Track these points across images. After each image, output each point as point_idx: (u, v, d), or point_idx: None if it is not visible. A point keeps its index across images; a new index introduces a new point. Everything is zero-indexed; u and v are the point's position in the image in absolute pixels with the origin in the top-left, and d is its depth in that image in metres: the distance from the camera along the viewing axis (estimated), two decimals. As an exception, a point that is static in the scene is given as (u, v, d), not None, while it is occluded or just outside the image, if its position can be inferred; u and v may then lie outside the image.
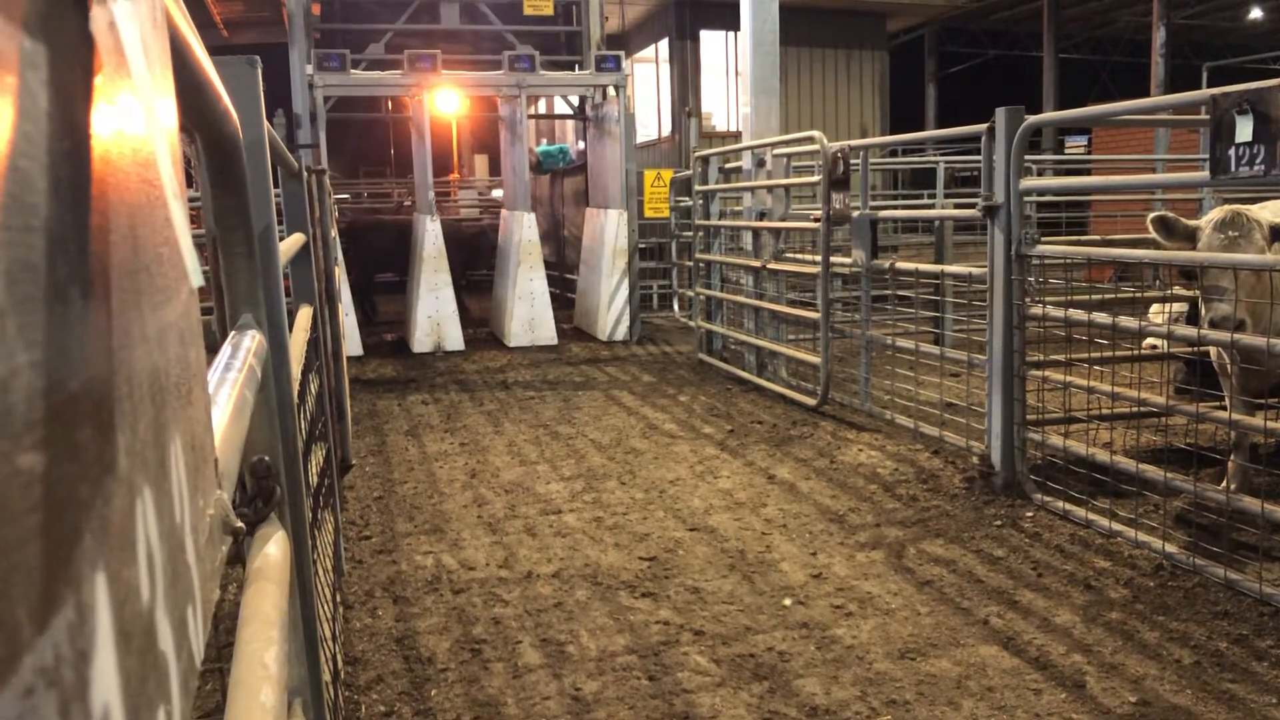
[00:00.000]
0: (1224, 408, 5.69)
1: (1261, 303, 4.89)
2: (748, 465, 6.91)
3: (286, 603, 1.35)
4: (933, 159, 14.52)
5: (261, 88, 2.15)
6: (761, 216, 9.62)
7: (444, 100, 13.90)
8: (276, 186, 2.94)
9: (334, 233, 6.64)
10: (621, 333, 12.75)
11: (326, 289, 5.37)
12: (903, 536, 5.42)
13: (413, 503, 6.30)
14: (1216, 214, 5.09)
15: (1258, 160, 4.10)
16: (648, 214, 13.91)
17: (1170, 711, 3.59)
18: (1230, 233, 4.98)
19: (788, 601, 4.61)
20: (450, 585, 4.94)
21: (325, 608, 3.27)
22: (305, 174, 4.84)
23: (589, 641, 4.28)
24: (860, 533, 5.50)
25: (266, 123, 2.21)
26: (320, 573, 2.95)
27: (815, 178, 8.48)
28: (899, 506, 5.92)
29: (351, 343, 11.29)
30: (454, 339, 12.30)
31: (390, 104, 18.44)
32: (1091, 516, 5.36)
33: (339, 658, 3.87)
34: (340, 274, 9.14)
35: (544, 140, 18.16)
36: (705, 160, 10.76)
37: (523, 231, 12.55)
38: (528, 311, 12.44)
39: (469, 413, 8.90)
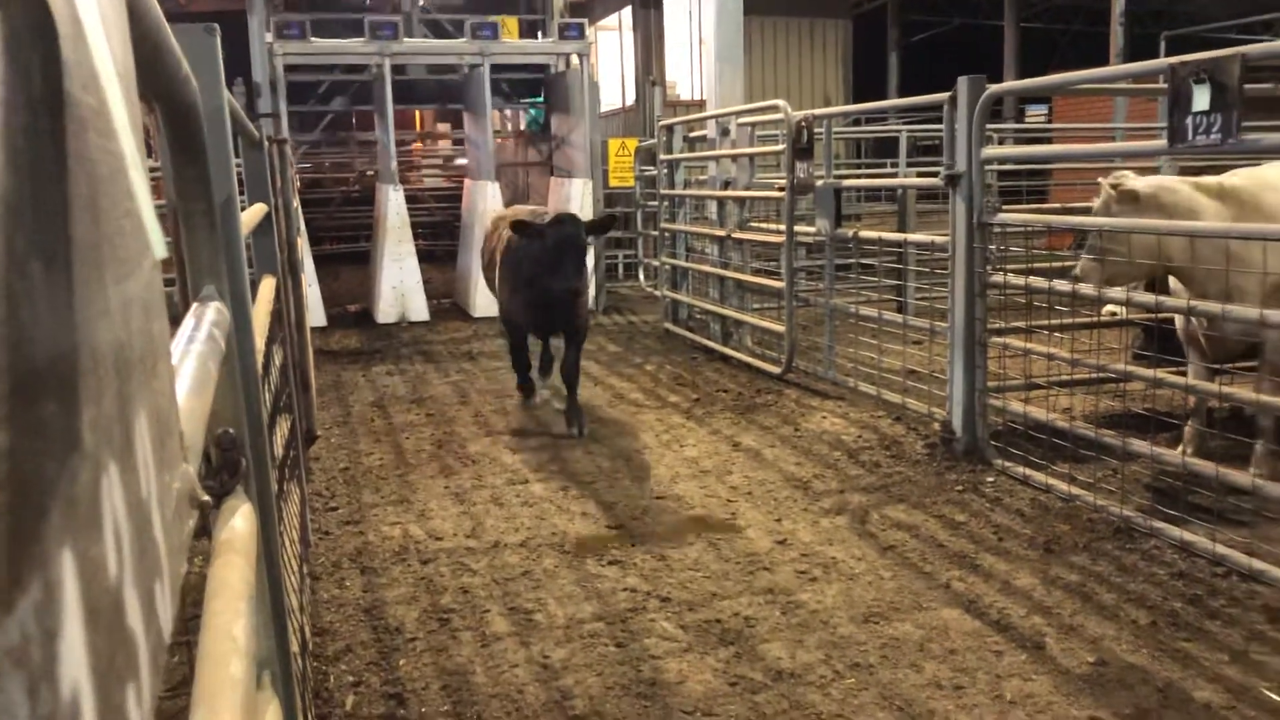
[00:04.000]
0: (1181, 373, 5.78)
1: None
2: (713, 433, 6.94)
3: (254, 575, 1.35)
4: (895, 128, 14.54)
5: (221, 55, 2.11)
6: (726, 186, 9.61)
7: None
8: (237, 156, 2.90)
9: (296, 203, 6.56)
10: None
11: (289, 259, 5.32)
12: (866, 502, 5.47)
13: (379, 474, 6.28)
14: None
15: (1214, 129, 4.14)
16: (613, 183, 13.86)
17: (1127, 671, 3.66)
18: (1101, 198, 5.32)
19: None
20: (418, 555, 4.94)
21: (292, 579, 3.26)
22: (266, 143, 4.78)
23: (557, 609, 4.30)
24: (824, 499, 5.55)
25: (226, 91, 2.18)
26: (287, 544, 2.95)
27: (779, 147, 8.48)
28: (862, 473, 5.97)
29: (315, 314, 11.19)
30: (419, 310, 12.22)
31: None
32: (1051, 481, 5.44)
33: (307, 629, 3.86)
34: (303, 244, 9.04)
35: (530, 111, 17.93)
36: (670, 129, 10.72)
37: (487, 201, 12.47)
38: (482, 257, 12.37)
39: (435, 383, 8.87)
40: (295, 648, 2.71)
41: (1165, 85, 4.42)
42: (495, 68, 12.98)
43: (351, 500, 5.81)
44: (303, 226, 9.89)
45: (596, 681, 3.70)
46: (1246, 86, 4.07)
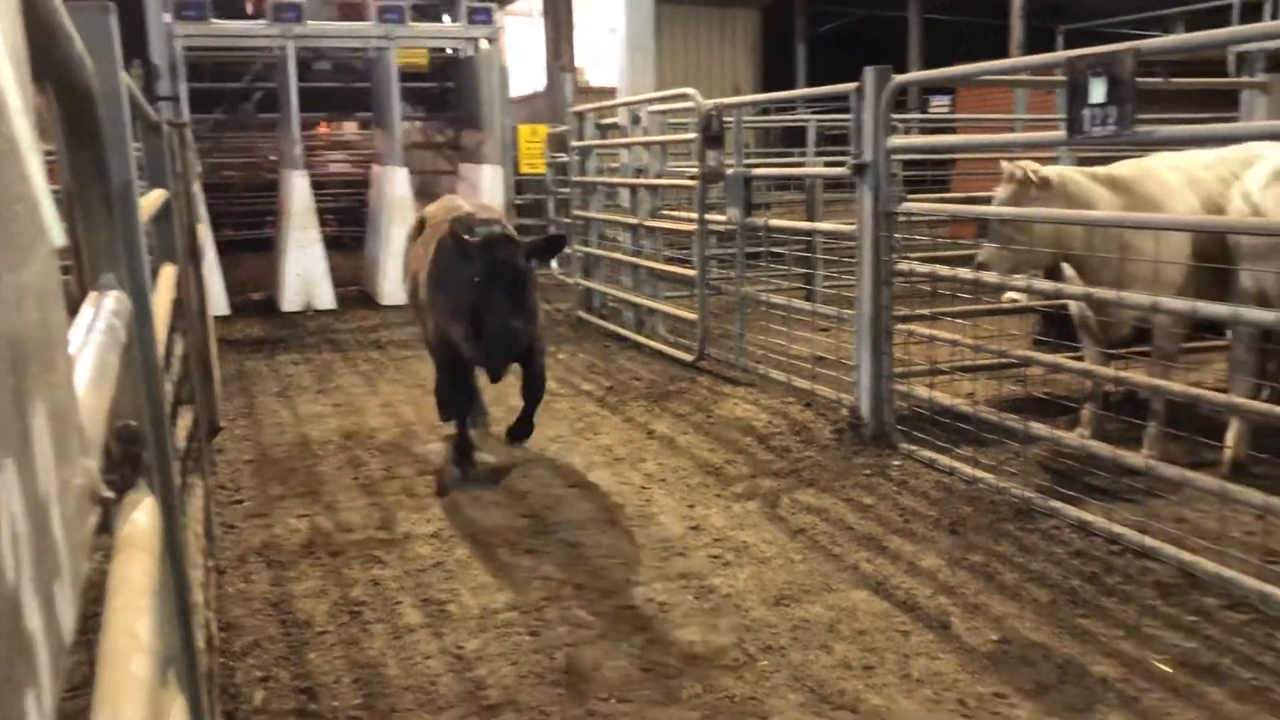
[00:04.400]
0: (1078, 358, 5.97)
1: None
2: (627, 421, 6.96)
3: (157, 571, 1.32)
4: (804, 118, 14.70)
5: (117, 35, 2.04)
6: (638, 173, 9.62)
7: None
8: (136, 140, 2.81)
9: (196, 188, 6.38)
10: (498, 290, 12.60)
11: (190, 246, 5.19)
12: (777, 487, 5.54)
13: (286, 465, 6.17)
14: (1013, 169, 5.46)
15: (1110, 120, 4.27)
16: (524, 170, 13.77)
17: (1029, 648, 3.78)
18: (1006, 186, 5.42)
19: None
20: (327, 548, 4.87)
21: (197, 574, 3.19)
22: (165, 128, 4.65)
23: (470, 600, 4.27)
24: (736, 484, 5.60)
25: (123, 72, 2.11)
26: (191, 539, 2.88)
27: (690, 135, 8.52)
28: (773, 458, 6.05)
29: (218, 302, 10.91)
30: (325, 298, 12.00)
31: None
32: (955, 464, 5.57)
33: (213, 624, 3.78)
34: (204, 231, 8.81)
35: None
36: (581, 116, 10.69)
37: (395, 187, 12.30)
38: (401, 269, 12.20)
39: (342, 373, 8.73)
40: (201, 644, 2.65)
41: (1063, 78, 4.54)
42: (403, 78, 12.74)
43: (257, 493, 5.69)
44: (204, 213, 9.65)
45: (511, 671, 3.69)
46: (1139, 80, 4.21)
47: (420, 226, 6.17)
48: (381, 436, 6.74)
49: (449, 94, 14.63)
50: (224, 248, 12.47)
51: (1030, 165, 5.43)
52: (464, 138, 13.90)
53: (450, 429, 6.26)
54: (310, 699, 3.54)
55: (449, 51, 14.50)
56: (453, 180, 14.26)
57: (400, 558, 4.74)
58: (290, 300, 11.89)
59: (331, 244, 12.93)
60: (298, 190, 11.89)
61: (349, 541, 4.95)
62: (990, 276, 5.47)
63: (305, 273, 11.90)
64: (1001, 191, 5.51)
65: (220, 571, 4.58)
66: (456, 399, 5.91)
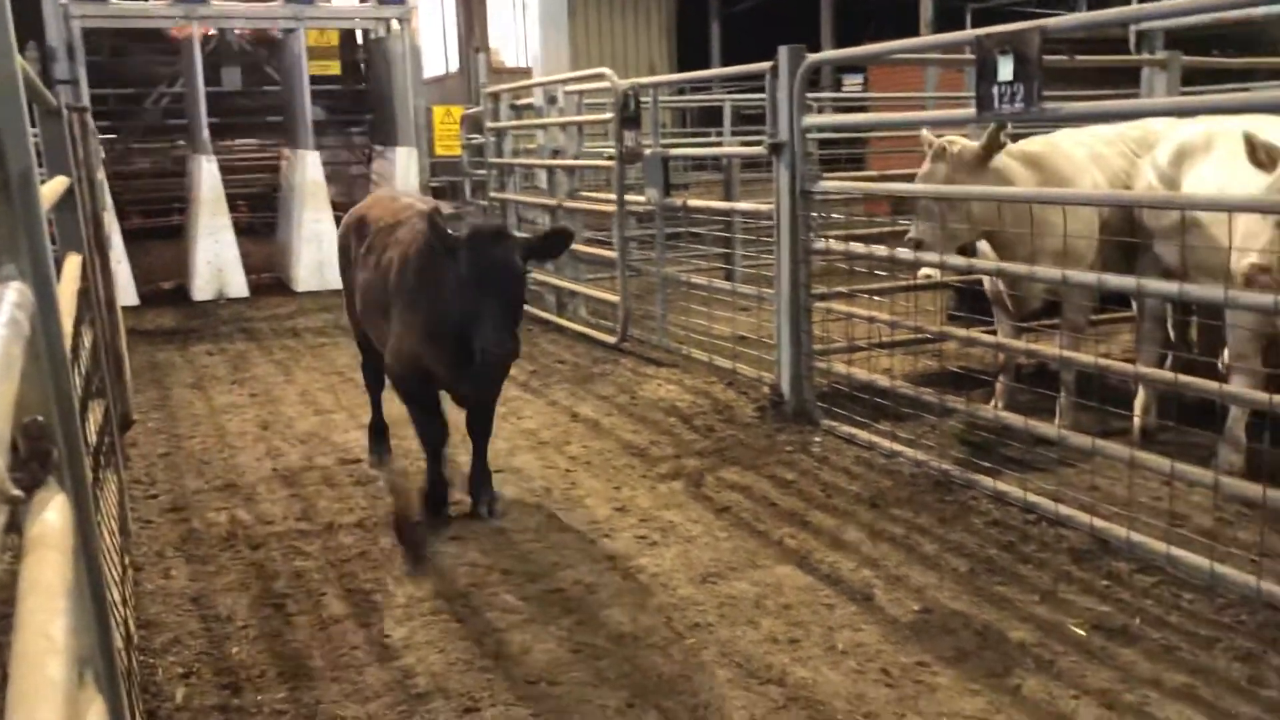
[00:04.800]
0: (992, 332, 6.10)
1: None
2: (551, 405, 6.94)
3: (70, 570, 1.28)
4: (720, 97, 14.73)
5: (9, 16, 1.96)
6: (555, 155, 9.57)
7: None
8: (34, 125, 2.70)
9: (101, 175, 6.18)
10: (416, 274, 12.46)
11: (95, 236, 5.04)
12: (701, 466, 5.58)
13: (202, 458, 6.04)
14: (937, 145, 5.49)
15: (1018, 98, 4.36)
16: (438, 151, 13.60)
17: (950, 616, 3.86)
18: (931, 163, 5.45)
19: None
20: (247, 541, 4.78)
21: (113, 571, 3.11)
22: (65, 112, 4.50)
23: (396, 588, 4.24)
24: (661, 465, 5.63)
25: (17, 54, 2.03)
26: (106, 535, 2.81)
27: (606, 116, 8.49)
28: (697, 437, 6.08)
29: (126, 292, 10.61)
30: (237, 286, 11.76)
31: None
32: (875, 439, 5.66)
33: (131, 622, 3.69)
34: (110, 219, 8.55)
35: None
36: (496, 97, 10.59)
37: (307, 171, 12.07)
38: (316, 255, 12.00)
39: (258, 362, 8.56)
40: (119, 643, 2.59)
41: (972, 56, 4.62)
42: (314, 82, 12.50)
43: (174, 487, 5.56)
44: (109, 200, 9.37)
45: (439, 658, 3.67)
46: (1046, 58, 4.30)
47: (359, 228, 5.27)
48: (300, 426, 6.63)
49: (362, 96, 14.41)
50: (132, 236, 12.14)
51: (963, 142, 5.48)
52: (377, 122, 13.67)
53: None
54: (234, 694, 3.49)
55: (359, 41, 14.25)
56: (365, 164, 14.05)
57: (323, 548, 4.67)
58: (202, 289, 11.62)
59: (244, 230, 12.67)
60: (206, 176, 11.61)
61: (270, 533, 4.87)
62: (905, 253, 5.55)
63: (216, 260, 11.64)
64: (928, 168, 5.53)
65: (137, 568, 4.47)
66: (434, 429, 4.93)
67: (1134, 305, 5.99)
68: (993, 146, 5.30)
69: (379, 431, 5.90)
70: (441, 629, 3.88)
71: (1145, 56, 8.01)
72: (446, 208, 5.09)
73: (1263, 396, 4.11)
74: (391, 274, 4.75)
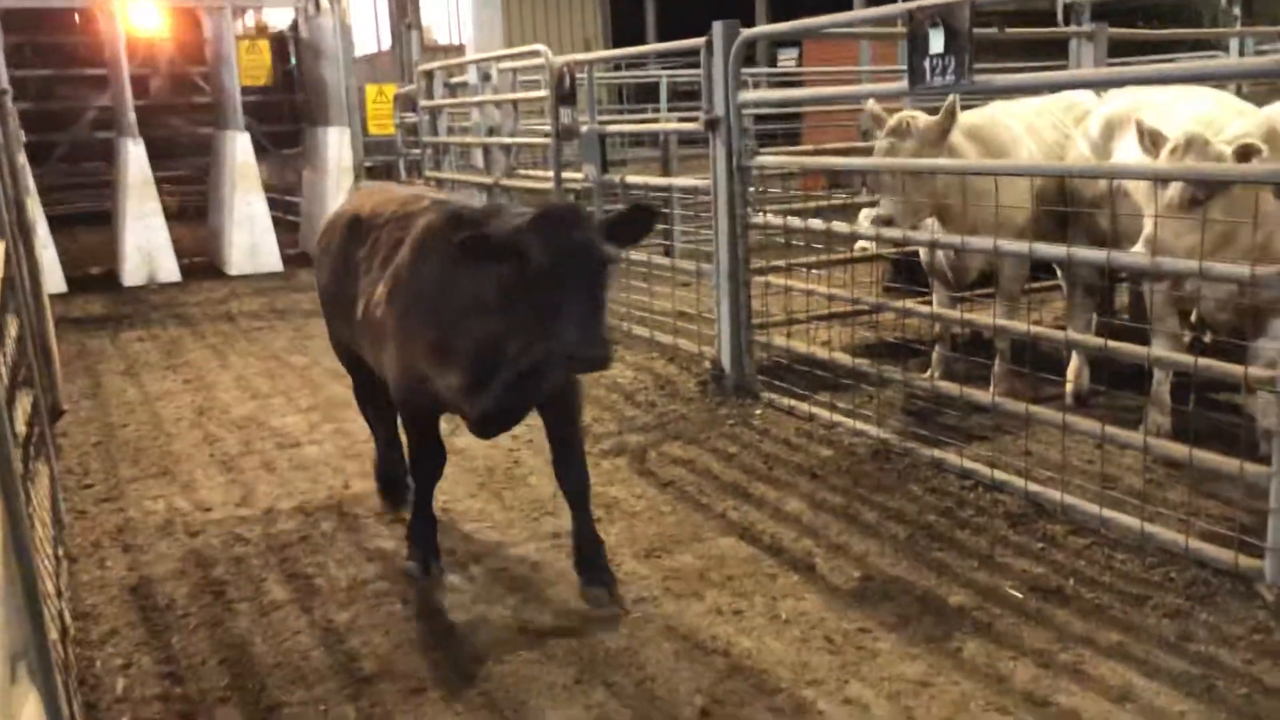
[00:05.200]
0: (927, 303, 6.18)
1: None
2: (490, 384, 6.90)
3: (1, 562, 1.26)
4: (656, 73, 14.71)
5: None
6: (491, 133, 9.49)
7: (141, 15, 12.81)
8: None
9: (21, 159, 6.02)
10: (352, 256, 12.31)
11: (18, 221, 4.91)
12: (644, 441, 5.60)
13: (136, 446, 5.93)
14: (890, 120, 5.45)
15: (949, 70, 4.40)
16: (372, 131, 13.42)
17: (890, 583, 3.93)
18: (892, 138, 5.37)
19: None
20: (185, 528, 4.71)
21: (47, 564, 3.06)
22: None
23: (338, 572, 4.21)
24: (604, 441, 5.64)
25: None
26: (38, 526, 2.75)
27: (542, 93, 8.43)
28: (639, 413, 6.10)
29: (53, 278, 10.34)
30: (169, 270, 11.52)
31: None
32: (814, 410, 5.72)
33: (67, 614, 3.63)
34: (33, 204, 8.33)
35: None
36: (429, 75, 10.46)
37: (237, 153, 11.85)
38: (248, 238, 11.80)
39: (191, 348, 8.42)
40: (54, 635, 2.54)
41: (904, 29, 4.65)
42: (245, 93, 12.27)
43: (108, 476, 5.46)
44: (32, 185, 9.13)
45: (384, 641, 3.65)
46: (976, 30, 4.34)
47: (352, 229, 4.34)
48: (236, 411, 6.53)
49: (294, 105, 14.15)
50: (58, 221, 11.83)
51: (924, 116, 5.45)
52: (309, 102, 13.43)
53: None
54: (175, 683, 3.44)
55: (290, 48, 13.99)
56: (298, 145, 13.81)
57: (263, 534, 4.62)
58: (132, 274, 11.38)
59: (174, 214, 12.41)
60: (133, 159, 11.33)
61: (208, 520, 4.80)
62: (842, 227, 5.59)
63: (146, 245, 11.40)
64: (889, 144, 5.46)
65: (73, 559, 4.39)
66: (439, 460, 4.16)
67: (1059, 274, 6.11)
68: (950, 120, 5.30)
69: (394, 481, 4.86)
70: (387, 611, 3.86)
71: (1073, 29, 8.13)
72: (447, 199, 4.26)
73: (1186, 359, 4.22)
74: (404, 277, 3.87)
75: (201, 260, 12.55)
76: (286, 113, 14.32)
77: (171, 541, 4.58)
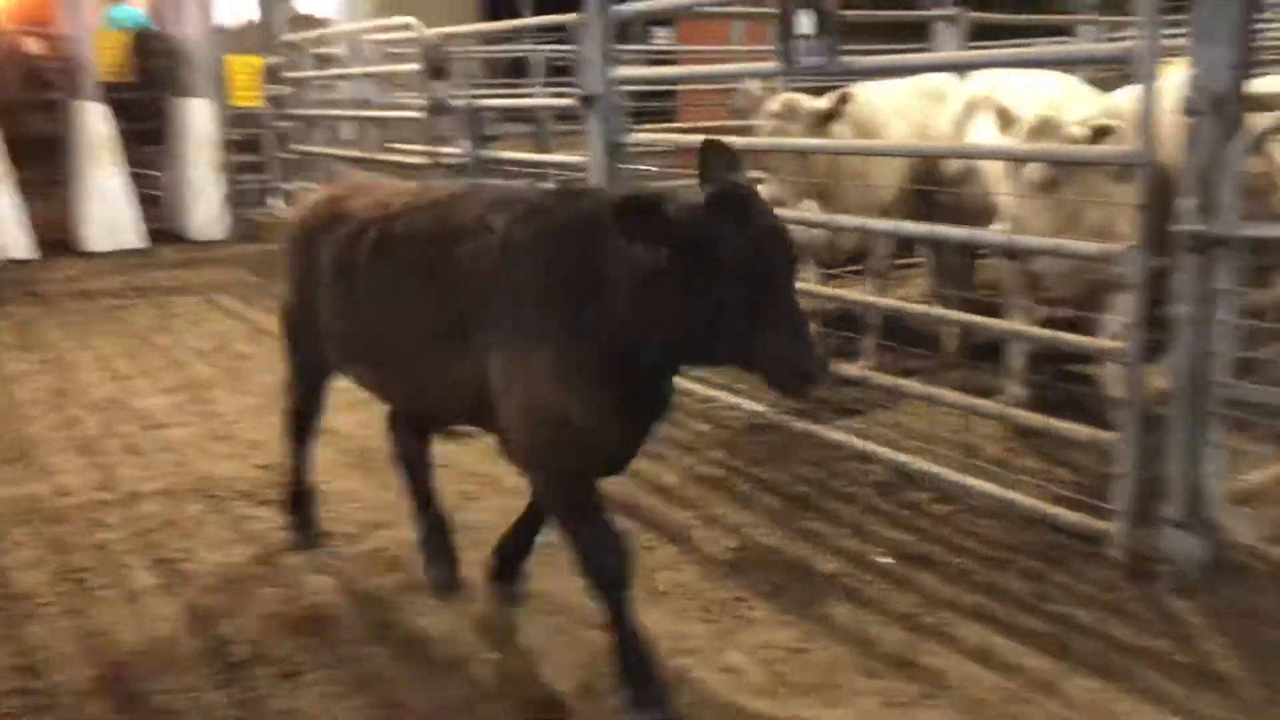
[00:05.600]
0: (802, 279, 6.30)
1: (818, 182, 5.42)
2: (364, 362, 6.79)
3: None
4: (530, 48, 14.55)
5: None
6: (363, 106, 9.29)
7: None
8: None
9: None
10: (218, 231, 11.97)
11: None
12: (522, 420, 5.58)
13: (-13, 431, 5.66)
14: (774, 103, 5.56)
15: (818, 51, 4.49)
16: (237, 103, 12.98)
17: (765, 553, 4.02)
18: (780, 120, 5.49)
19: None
20: (42, 515, 4.52)
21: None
22: None
23: (207, 556, 4.10)
24: (481, 420, 5.60)
25: None
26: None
27: (413, 66, 8.28)
28: (517, 391, 6.07)
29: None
30: (20, 246, 10.95)
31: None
32: (691, 385, 5.79)
33: (-88, 609, 3.46)
34: None
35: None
36: (295, 47, 10.17)
37: (94, 124, 11.33)
38: (107, 213, 11.31)
39: (47, 327, 8.05)
40: (-99, 629, 2.42)
41: (774, 10, 4.73)
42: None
43: (-43, 462, 5.21)
44: None
45: (256, 625, 3.58)
46: (843, 12, 4.44)
47: (332, 227, 3.61)
48: (97, 393, 6.28)
49: (157, 104, 13.58)
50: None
51: (808, 99, 5.52)
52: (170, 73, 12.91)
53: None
54: (34, 676, 3.31)
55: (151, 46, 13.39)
56: (159, 118, 13.27)
57: (127, 519, 4.47)
58: (-22, 251, 10.80)
59: (28, 187, 11.79)
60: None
61: (68, 506, 4.62)
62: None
63: (-6, 220, 10.82)
64: (778, 125, 5.53)
65: (-82, 551, 4.18)
66: (617, 545, 3.17)
67: (927, 250, 6.31)
68: (842, 105, 5.42)
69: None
70: (258, 595, 3.79)
71: (934, 12, 8.36)
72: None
73: (1043, 333, 4.42)
74: (496, 285, 3.01)
75: (56, 237, 11.97)
76: (147, 82, 13.73)
77: (28, 529, 4.39)
